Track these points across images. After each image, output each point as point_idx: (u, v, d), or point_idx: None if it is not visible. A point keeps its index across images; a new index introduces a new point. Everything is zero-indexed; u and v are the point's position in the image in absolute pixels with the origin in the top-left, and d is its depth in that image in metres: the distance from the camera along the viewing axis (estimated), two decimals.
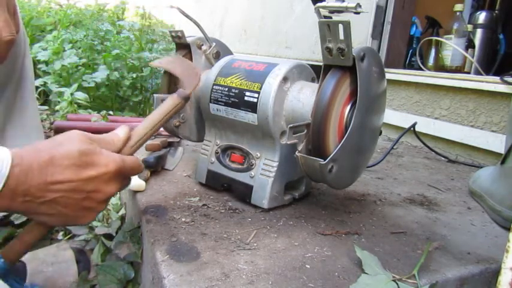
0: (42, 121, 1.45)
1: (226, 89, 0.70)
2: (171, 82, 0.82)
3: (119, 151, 0.55)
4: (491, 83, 1.18)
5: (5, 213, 0.83)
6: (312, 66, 0.71)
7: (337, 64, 0.57)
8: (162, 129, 0.87)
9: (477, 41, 1.55)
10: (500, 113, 1.18)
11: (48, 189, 0.45)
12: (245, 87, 0.68)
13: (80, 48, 1.93)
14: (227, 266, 0.51)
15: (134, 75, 1.88)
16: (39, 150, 0.46)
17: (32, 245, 0.53)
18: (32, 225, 0.53)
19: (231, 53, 0.86)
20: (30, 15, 2.17)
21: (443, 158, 1.25)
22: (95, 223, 0.87)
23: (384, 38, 1.61)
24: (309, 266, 0.53)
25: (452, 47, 1.51)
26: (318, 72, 0.63)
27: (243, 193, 0.71)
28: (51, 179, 0.45)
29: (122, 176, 0.53)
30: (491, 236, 0.68)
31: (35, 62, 1.80)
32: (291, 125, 0.58)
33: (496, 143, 1.15)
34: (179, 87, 0.77)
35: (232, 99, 0.69)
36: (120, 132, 0.56)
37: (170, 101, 0.63)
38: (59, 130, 1.21)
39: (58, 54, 1.83)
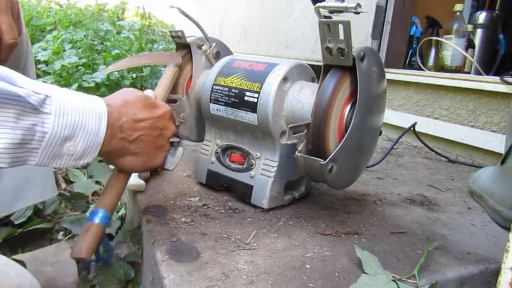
0: None
1: (227, 89, 0.70)
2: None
3: None
4: (491, 83, 1.18)
5: (5, 214, 0.83)
6: (312, 66, 0.71)
7: (337, 64, 0.57)
8: None
9: (477, 41, 1.55)
10: (500, 113, 1.18)
11: (135, 127, 0.52)
12: (245, 87, 0.68)
13: (80, 48, 1.93)
14: (227, 266, 0.51)
15: (134, 75, 1.88)
16: (111, 97, 0.52)
17: (121, 192, 0.58)
18: (114, 174, 0.58)
19: (231, 53, 0.86)
20: (30, 15, 2.17)
21: (443, 158, 1.25)
22: None
23: (384, 38, 1.60)
24: (309, 266, 0.53)
25: (452, 47, 1.51)
26: (318, 72, 0.63)
27: (243, 193, 0.71)
28: (136, 117, 0.52)
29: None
30: (491, 236, 0.68)
31: (35, 62, 1.80)
32: (291, 125, 0.58)
33: (496, 143, 1.15)
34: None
35: (232, 99, 0.69)
36: (149, 93, 0.63)
37: (170, 70, 0.77)
38: None
39: (58, 54, 1.83)
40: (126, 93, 0.55)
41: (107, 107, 0.48)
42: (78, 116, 0.44)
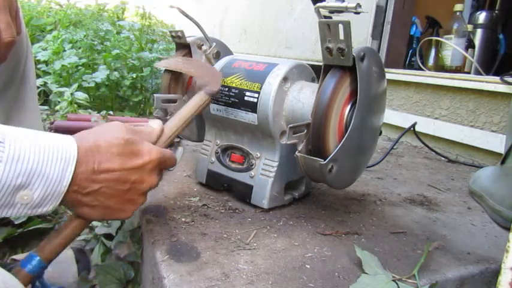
0: (42, 121, 1.45)
1: (227, 89, 0.70)
2: (172, 82, 0.82)
3: (154, 144, 0.54)
4: (491, 83, 1.18)
5: None
6: (312, 66, 0.71)
7: (337, 64, 0.57)
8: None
9: (477, 41, 1.55)
10: (500, 113, 1.18)
11: (93, 178, 0.44)
12: (245, 87, 0.68)
13: (80, 48, 1.93)
14: (227, 266, 0.51)
15: (134, 75, 1.88)
16: (83, 137, 0.45)
17: (71, 240, 0.50)
18: (70, 219, 0.50)
19: (231, 53, 0.86)
20: (30, 15, 2.17)
21: (443, 158, 1.25)
22: (94, 223, 0.87)
23: (384, 38, 1.61)
24: (309, 266, 0.53)
25: (452, 47, 1.51)
26: (318, 72, 0.63)
27: (243, 193, 0.71)
28: (98, 167, 0.44)
29: (161, 167, 0.53)
30: (491, 236, 0.68)
31: (35, 62, 1.80)
32: (291, 125, 0.58)
33: (496, 143, 1.15)
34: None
35: (232, 99, 0.69)
36: (154, 125, 0.56)
37: (198, 98, 0.65)
38: (59, 130, 1.21)
39: (58, 54, 1.83)
40: (105, 133, 0.47)
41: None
42: (36, 162, 0.39)
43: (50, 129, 1.36)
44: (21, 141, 0.39)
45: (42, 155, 0.40)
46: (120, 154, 0.46)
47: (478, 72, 1.48)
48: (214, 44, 0.83)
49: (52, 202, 0.42)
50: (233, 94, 0.69)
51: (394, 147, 1.20)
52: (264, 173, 0.68)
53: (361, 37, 1.61)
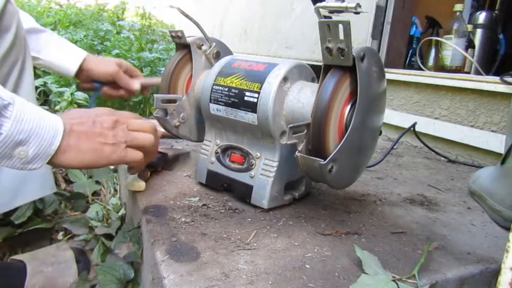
0: None
1: (226, 89, 0.70)
2: (171, 83, 0.82)
3: None
4: (491, 83, 1.18)
5: (5, 210, 0.83)
6: (312, 66, 0.71)
7: (337, 64, 0.57)
8: (162, 129, 0.87)
9: (477, 41, 1.55)
10: (500, 113, 1.18)
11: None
12: (245, 87, 0.68)
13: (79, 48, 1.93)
14: (227, 266, 0.51)
15: None
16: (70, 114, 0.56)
17: None
18: None
19: (231, 53, 0.86)
20: (30, 15, 2.17)
21: (443, 158, 1.25)
22: (94, 223, 0.87)
23: (384, 38, 1.60)
24: (309, 266, 0.53)
25: (452, 47, 1.51)
26: (318, 72, 0.63)
27: (243, 193, 0.71)
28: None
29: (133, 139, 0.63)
30: (491, 236, 0.68)
31: None
32: (291, 125, 0.58)
33: (496, 143, 1.15)
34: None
35: (232, 99, 0.69)
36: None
37: None
38: None
39: None
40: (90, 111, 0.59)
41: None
42: (35, 126, 0.48)
43: None
44: (26, 107, 0.48)
45: (41, 122, 0.48)
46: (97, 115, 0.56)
47: (478, 72, 1.48)
48: (214, 44, 0.83)
49: (41, 161, 0.50)
50: (233, 94, 0.69)
51: (394, 147, 1.20)
52: (264, 173, 0.68)
53: (361, 37, 1.61)
